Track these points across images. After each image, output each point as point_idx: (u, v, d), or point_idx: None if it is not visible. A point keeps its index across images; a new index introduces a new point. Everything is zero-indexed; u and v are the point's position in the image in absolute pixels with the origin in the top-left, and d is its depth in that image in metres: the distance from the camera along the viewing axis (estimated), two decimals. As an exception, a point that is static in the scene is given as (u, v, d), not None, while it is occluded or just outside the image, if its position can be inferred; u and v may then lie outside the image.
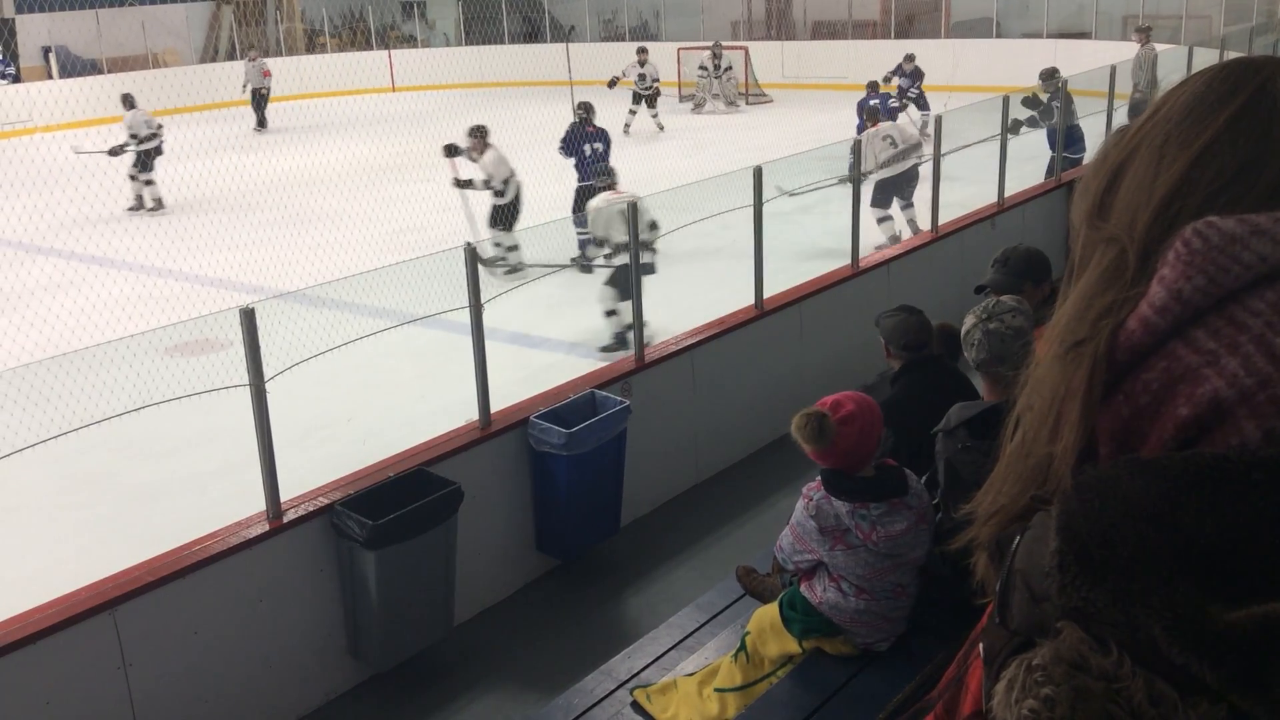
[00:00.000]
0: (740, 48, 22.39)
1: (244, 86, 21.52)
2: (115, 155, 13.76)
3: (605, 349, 7.46)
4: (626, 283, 6.38)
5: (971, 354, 3.22)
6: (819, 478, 3.28)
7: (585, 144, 10.86)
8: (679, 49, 22.50)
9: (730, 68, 21.28)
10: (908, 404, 3.84)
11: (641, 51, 18.98)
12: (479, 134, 9.85)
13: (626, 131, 17.93)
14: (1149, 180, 0.75)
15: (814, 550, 3.25)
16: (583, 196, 9.69)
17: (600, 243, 7.97)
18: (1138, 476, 0.63)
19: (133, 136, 14.05)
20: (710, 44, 21.55)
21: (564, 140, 11.07)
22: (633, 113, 18.39)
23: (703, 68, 21.09)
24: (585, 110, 11.20)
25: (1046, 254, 3.94)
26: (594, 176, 9.41)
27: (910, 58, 16.45)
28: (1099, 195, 0.78)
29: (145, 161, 14.07)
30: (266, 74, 21.59)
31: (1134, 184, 0.76)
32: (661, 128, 18.53)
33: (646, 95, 18.54)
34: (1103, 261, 0.75)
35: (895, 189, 9.87)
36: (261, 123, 21.41)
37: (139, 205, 14.04)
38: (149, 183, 14.07)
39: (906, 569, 3.28)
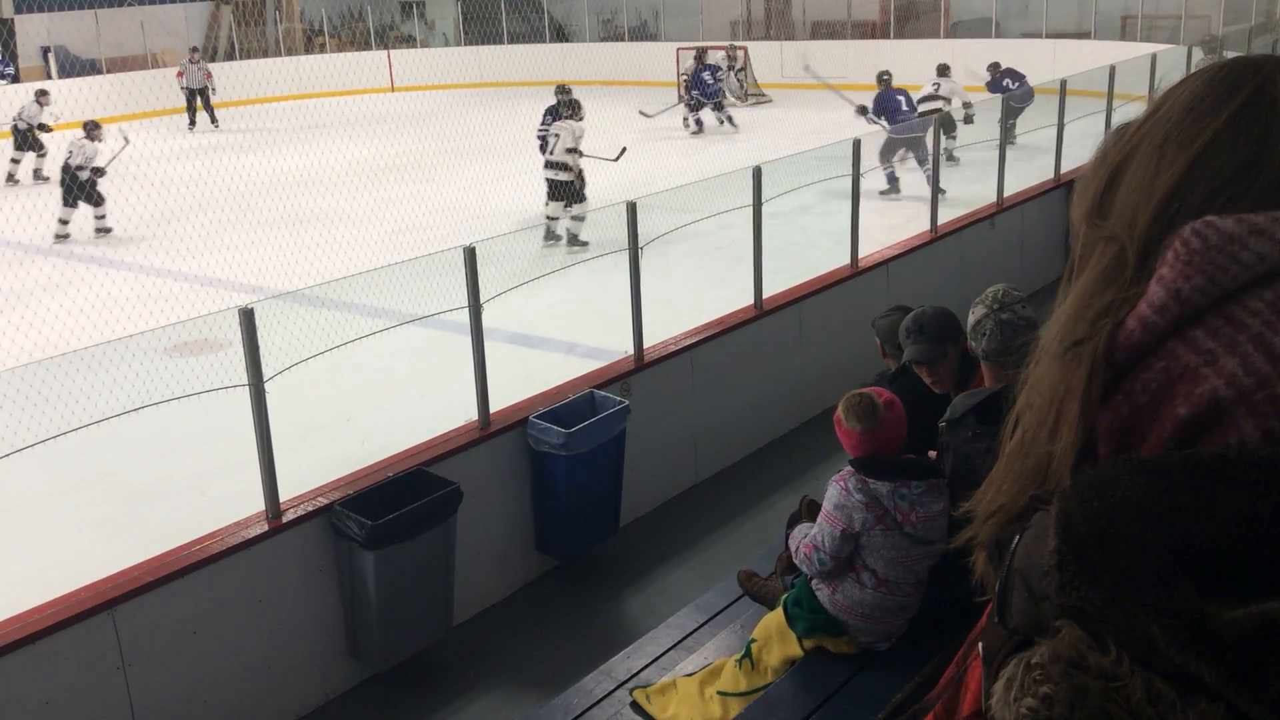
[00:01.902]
0: (740, 48, 22.43)
1: (187, 90, 21.19)
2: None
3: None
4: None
5: (982, 344, 3.21)
6: (849, 467, 3.28)
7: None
8: (677, 49, 22.50)
9: (744, 68, 22.13)
10: (906, 403, 3.83)
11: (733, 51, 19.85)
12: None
13: (730, 123, 18.69)
14: (1149, 179, 0.75)
15: (854, 530, 3.23)
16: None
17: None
18: (1137, 476, 0.63)
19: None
20: (726, 44, 22.17)
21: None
22: (721, 108, 18.91)
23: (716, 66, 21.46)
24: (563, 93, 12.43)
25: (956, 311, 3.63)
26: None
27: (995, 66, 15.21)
28: (1098, 194, 0.78)
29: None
30: (209, 76, 21.40)
31: (1134, 183, 0.76)
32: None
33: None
34: (1102, 260, 0.75)
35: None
36: (206, 119, 21.19)
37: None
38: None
39: (929, 562, 3.29)
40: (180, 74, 21.33)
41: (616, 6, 27.55)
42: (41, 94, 16.84)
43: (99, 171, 12.48)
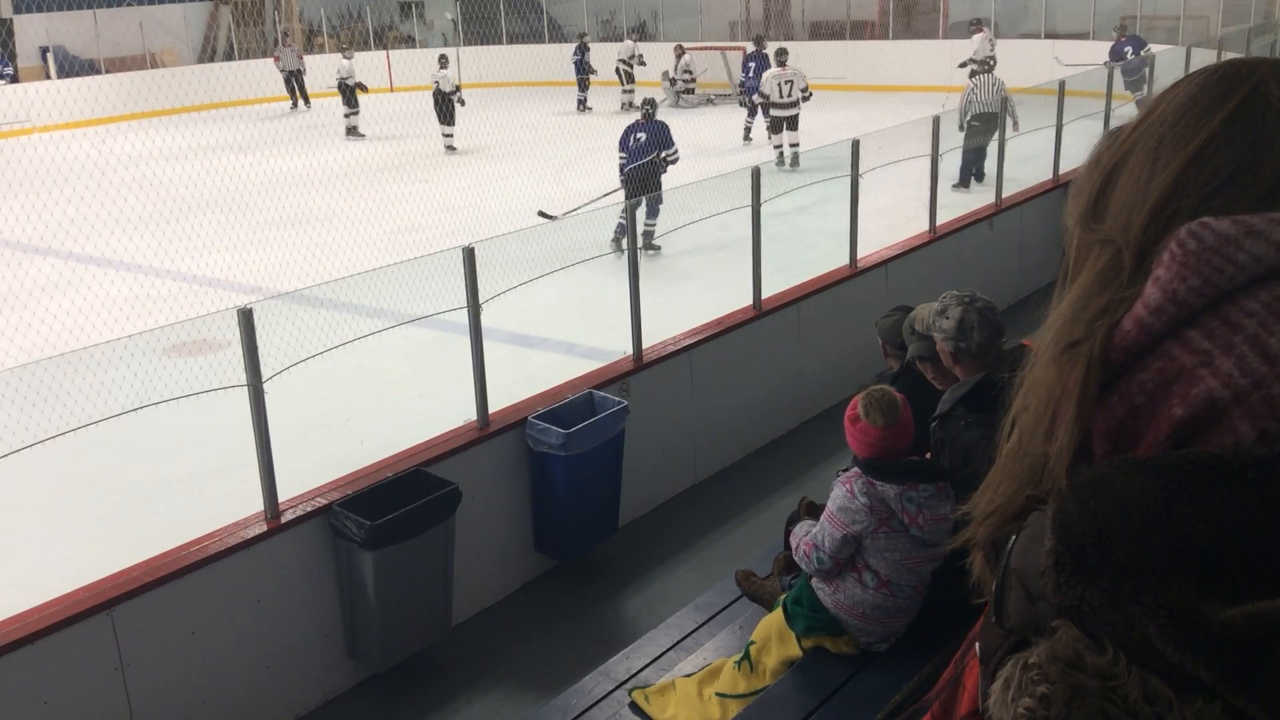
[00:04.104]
0: (738, 48, 22.36)
1: (285, 73, 22.82)
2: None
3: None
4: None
5: (974, 338, 3.21)
6: (854, 468, 3.27)
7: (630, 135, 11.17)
8: (677, 49, 22.47)
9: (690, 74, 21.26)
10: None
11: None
12: None
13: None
14: (1144, 182, 0.75)
15: (856, 533, 3.21)
16: (629, 181, 10.41)
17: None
18: (1133, 476, 0.63)
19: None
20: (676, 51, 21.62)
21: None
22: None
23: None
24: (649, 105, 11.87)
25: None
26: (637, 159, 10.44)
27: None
28: (1093, 197, 0.78)
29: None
30: (300, 58, 23.14)
31: (1129, 185, 0.76)
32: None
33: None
34: (1098, 263, 0.75)
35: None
36: (307, 101, 22.78)
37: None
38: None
39: (932, 565, 3.28)
40: (277, 59, 23.13)
41: (615, 7, 27.53)
42: (346, 49, 19.42)
43: (461, 100, 16.42)
